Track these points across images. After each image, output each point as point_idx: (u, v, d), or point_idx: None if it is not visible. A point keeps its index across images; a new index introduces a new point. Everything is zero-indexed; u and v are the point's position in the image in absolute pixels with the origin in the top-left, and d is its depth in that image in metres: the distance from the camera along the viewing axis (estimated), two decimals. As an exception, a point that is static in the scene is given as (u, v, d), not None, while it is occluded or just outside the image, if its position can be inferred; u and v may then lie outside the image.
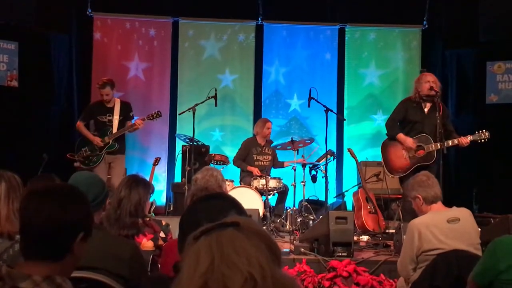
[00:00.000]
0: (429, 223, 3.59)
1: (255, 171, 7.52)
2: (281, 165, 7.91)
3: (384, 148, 6.46)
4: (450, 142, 6.06)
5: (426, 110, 6.26)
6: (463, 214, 3.68)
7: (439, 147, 5.98)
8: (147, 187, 3.68)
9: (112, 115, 7.11)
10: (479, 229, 3.68)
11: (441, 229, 3.56)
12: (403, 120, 6.36)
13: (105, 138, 7.05)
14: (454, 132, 6.22)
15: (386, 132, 6.53)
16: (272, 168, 7.88)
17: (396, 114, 6.43)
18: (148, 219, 3.70)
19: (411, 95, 6.42)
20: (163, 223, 3.80)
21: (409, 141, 6.19)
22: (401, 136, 6.30)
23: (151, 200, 5.64)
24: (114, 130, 7.08)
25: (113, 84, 7.17)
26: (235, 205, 1.93)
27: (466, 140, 6.03)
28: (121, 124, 7.11)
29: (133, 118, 7.21)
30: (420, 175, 3.80)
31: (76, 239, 1.83)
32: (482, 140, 6.07)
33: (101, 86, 7.08)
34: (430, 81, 6.16)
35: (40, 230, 1.79)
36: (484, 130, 6.06)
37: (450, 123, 6.38)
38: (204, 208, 1.90)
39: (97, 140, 7.03)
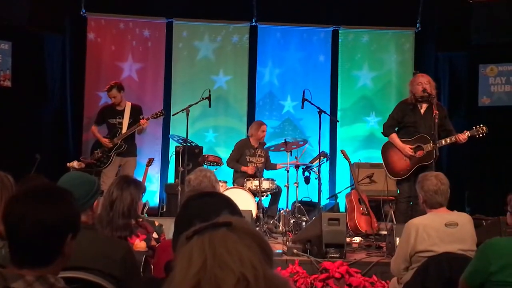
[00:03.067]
0: (427, 225, 3.60)
1: (249, 169, 7.52)
2: (273, 167, 7.92)
3: (385, 151, 6.45)
4: (448, 140, 6.08)
5: (422, 111, 6.27)
6: (462, 219, 3.68)
7: (436, 147, 6.00)
8: (139, 187, 3.67)
9: (122, 118, 7.35)
10: (476, 237, 3.66)
11: (437, 231, 3.56)
12: (400, 122, 6.38)
13: (114, 139, 7.28)
14: (453, 131, 6.23)
15: (382, 130, 6.54)
16: (265, 170, 7.89)
17: (396, 113, 6.43)
18: (141, 219, 3.70)
19: (407, 97, 6.45)
20: (156, 223, 3.79)
21: (408, 149, 6.21)
22: (395, 139, 6.32)
23: (144, 201, 5.65)
24: (123, 132, 7.29)
25: (120, 86, 7.40)
26: (228, 204, 1.93)
27: (463, 136, 6.04)
28: (131, 126, 7.31)
29: None
30: (432, 178, 3.71)
31: (66, 241, 1.81)
32: (480, 135, 6.07)
33: (108, 90, 7.35)
34: (423, 83, 6.17)
35: (28, 237, 1.75)
36: (481, 125, 6.06)
37: (448, 122, 6.38)
38: (197, 206, 1.90)
39: (105, 142, 7.29)
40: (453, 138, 6.07)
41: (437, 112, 5.94)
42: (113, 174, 7.20)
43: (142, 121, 7.23)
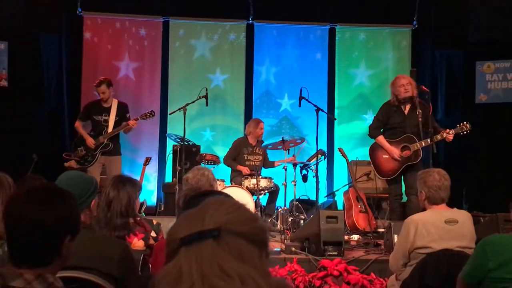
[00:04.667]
0: (427, 221, 3.60)
1: (245, 170, 7.52)
2: (271, 164, 7.91)
3: (372, 152, 6.57)
4: (434, 138, 6.17)
5: (406, 111, 6.39)
6: (462, 216, 3.67)
7: (423, 144, 6.13)
8: (134, 185, 3.65)
9: (108, 115, 7.12)
10: (475, 235, 3.66)
11: (437, 228, 3.56)
12: (385, 123, 6.47)
13: (99, 138, 7.05)
14: (439, 128, 6.35)
15: (368, 132, 6.62)
16: (263, 168, 7.89)
17: (381, 115, 6.55)
18: (138, 218, 3.69)
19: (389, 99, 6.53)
20: (154, 222, 3.78)
21: (395, 152, 6.29)
22: (382, 141, 6.42)
23: (141, 200, 5.64)
24: (109, 130, 7.08)
25: (110, 83, 7.18)
26: None
27: (450, 136, 6.15)
28: (117, 124, 7.11)
29: (129, 119, 7.22)
30: (435, 173, 3.69)
31: (64, 242, 1.81)
32: (464, 132, 6.18)
33: (97, 85, 7.11)
34: (404, 84, 6.29)
35: (27, 237, 1.76)
36: (465, 122, 6.19)
37: (433, 119, 6.49)
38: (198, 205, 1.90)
39: (89, 141, 7.04)
40: (439, 137, 6.19)
41: (420, 111, 6.10)
42: (97, 173, 7.06)
43: (131, 122, 7.03)
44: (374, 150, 6.55)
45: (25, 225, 1.76)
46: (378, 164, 6.48)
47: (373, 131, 6.55)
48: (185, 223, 1.28)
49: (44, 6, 8.24)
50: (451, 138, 6.18)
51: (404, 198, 6.51)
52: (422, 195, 3.72)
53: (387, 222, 6.13)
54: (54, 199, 1.84)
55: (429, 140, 6.11)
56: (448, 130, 6.16)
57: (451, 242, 3.53)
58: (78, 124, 7.25)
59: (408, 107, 6.36)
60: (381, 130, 6.54)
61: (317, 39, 9.31)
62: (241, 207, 1.31)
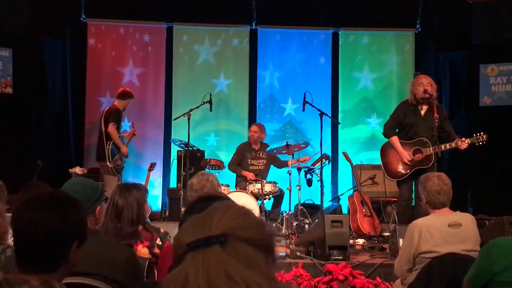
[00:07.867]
0: (430, 225, 3.59)
1: (250, 175, 7.52)
2: (285, 164, 7.82)
3: (383, 152, 6.48)
4: (448, 146, 6.08)
5: (422, 112, 6.28)
6: (466, 220, 3.67)
7: (434, 151, 6.02)
8: (140, 189, 3.62)
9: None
10: (480, 238, 3.65)
11: (441, 232, 3.55)
12: (400, 123, 6.39)
13: (124, 146, 7.32)
14: (453, 133, 6.24)
15: (383, 131, 6.54)
16: (277, 168, 7.88)
17: (396, 114, 6.44)
18: (146, 225, 3.66)
19: (407, 98, 6.45)
20: (162, 230, 3.71)
21: (406, 156, 6.21)
22: (395, 142, 6.33)
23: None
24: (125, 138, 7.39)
25: None
26: None
27: (464, 145, 6.02)
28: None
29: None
30: (434, 178, 3.69)
31: (71, 248, 1.82)
32: (480, 143, 6.04)
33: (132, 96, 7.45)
34: (424, 84, 6.19)
35: (34, 242, 1.78)
36: (482, 133, 6.03)
37: (448, 124, 6.38)
38: (203, 209, 1.90)
39: (125, 150, 7.27)
40: (453, 144, 6.05)
41: (438, 115, 5.96)
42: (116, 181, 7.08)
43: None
44: (385, 150, 6.45)
45: (32, 230, 1.78)
46: (388, 164, 6.38)
47: (387, 131, 6.45)
48: (192, 228, 1.27)
49: (48, 13, 8.28)
50: (465, 147, 6.01)
51: (413, 202, 6.46)
52: (423, 199, 3.75)
53: (392, 226, 6.12)
54: (61, 205, 1.87)
55: (432, 148, 6.02)
56: (463, 139, 6.01)
57: (455, 245, 3.52)
58: (115, 130, 7.24)
59: (425, 108, 6.26)
60: (396, 130, 6.43)
61: (320, 44, 9.32)
62: (247, 212, 1.30)
